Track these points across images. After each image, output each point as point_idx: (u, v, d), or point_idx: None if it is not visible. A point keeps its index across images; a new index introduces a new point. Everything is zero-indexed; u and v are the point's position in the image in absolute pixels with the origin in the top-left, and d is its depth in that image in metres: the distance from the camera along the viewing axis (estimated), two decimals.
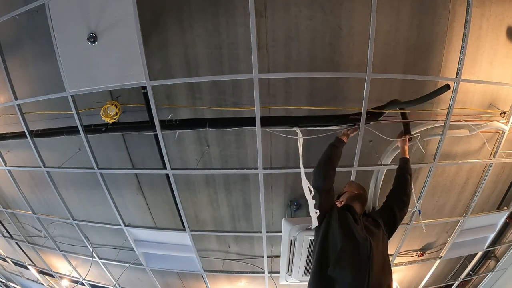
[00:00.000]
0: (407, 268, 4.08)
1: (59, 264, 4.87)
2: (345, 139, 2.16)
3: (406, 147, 2.31)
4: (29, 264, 5.14)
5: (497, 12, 2.45)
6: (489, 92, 2.77)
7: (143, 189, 3.53)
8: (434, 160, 2.74)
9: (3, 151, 3.48)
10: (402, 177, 2.05)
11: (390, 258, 3.65)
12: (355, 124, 2.39)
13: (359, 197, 1.91)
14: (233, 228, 3.66)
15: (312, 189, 1.92)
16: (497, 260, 4.27)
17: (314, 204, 1.81)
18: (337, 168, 1.97)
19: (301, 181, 2.92)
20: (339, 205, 1.88)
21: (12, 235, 4.77)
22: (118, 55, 2.25)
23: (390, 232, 1.80)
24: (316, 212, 1.73)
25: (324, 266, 1.45)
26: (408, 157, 2.22)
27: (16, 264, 5.44)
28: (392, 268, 3.94)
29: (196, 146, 3.05)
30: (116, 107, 2.74)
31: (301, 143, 2.37)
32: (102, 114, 2.73)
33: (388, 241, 1.76)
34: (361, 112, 2.35)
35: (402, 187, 2.00)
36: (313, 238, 2.90)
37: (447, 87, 1.94)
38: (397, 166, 2.18)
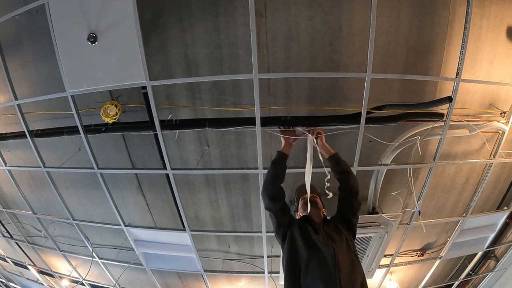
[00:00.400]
0: (407, 268, 4.08)
1: (59, 264, 4.87)
2: (287, 151, 2.08)
3: (324, 143, 2.15)
4: (29, 264, 5.14)
5: (497, 12, 2.45)
6: (489, 92, 2.77)
7: (143, 189, 3.53)
8: (434, 160, 2.74)
9: (3, 151, 3.48)
10: (342, 181, 1.93)
11: (390, 258, 3.66)
12: (291, 128, 2.28)
13: (307, 202, 1.88)
14: (233, 228, 3.66)
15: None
16: (497, 260, 4.27)
17: (273, 227, 1.82)
18: (282, 182, 1.94)
19: (300, 182, 2.93)
20: (298, 217, 1.90)
21: (12, 235, 4.77)
22: (118, 55, 2.25)
23: (353, 233, 1.80)
24: (278, 230, 1.77)
25: (296, 279, 1.49)
26: (333, 152, 2.06)
27: (16, 264, 5.44)
28: (392, 268, 3.98)
29: (196, 146, 3.05)
30: (116, 107, 2.74)
31: (312, 144, 2.27)
32: (102, 114, 2.73)
33: (354, 241, 1.77)
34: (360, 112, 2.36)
35: (347, 191, 1.89)
36: None
37: (449, 99, 1.94)
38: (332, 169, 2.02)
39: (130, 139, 3.15)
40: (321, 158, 2.17)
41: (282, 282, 3.53)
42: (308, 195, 1.93)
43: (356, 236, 1.85)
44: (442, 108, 2.69)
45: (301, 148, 2.46)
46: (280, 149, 2.11)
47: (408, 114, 2.49)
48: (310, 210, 1.84)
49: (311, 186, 2.05)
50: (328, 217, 1.91)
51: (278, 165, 2.00)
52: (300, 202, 1.97)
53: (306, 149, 2.24)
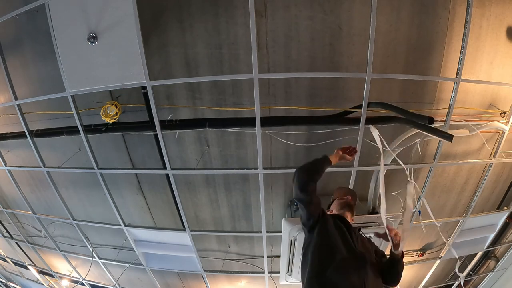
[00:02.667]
0: (407, 268, 4.07)
1: (59, 264, 4.87)
2: (334, 161, 1.85)
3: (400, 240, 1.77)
4: (29, 264, 5.14)
5: (497, 12, 2.45)
6: (489, 92, 2.77)
7: (143, 189, 3.53)
8: (434, 160, 2.75)
9: (3, 151, 3.48)
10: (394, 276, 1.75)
11: None
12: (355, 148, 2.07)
13: (348, 204, 1.85)
14: (233, 228, 3.66)
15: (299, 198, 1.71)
16: (497, 260, 4.27)
17: (301, 217, 1.70)
18: (338, 169, 1.92)
19: None
20: (329, 213, 1.83)
21: (12, 235, 4.77)
22: (118, 55, 2.25)
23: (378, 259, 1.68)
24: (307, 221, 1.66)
25: (322, 270, 1.45)
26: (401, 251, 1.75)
27: (16, 264, 5.44)
28: None
29: (196, 146, 3.05)
30: (116, 107, 2.74)
31: (378, 138, 2.29)
32: (102, 114, 2.73)
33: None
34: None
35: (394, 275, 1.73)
36: None
37: (429, 120, 1.92)
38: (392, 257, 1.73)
39: (130, 139, 3.14)
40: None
41: (283, 282, 3.53)
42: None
43: None
44: (442, 108, 2.69)
45: None
46: (328, 155, 1.87)
47: (409, 121, 2.46)
48: (345, 212, 1.79)
49: (354, 192, 2.00)
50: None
51: (320, 164, 1.78)
52: (339, 201, 1.89)
53: None
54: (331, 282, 1.40)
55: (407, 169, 2.04)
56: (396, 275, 1.76)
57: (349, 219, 1.77)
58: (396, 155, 2.72)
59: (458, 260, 1.40)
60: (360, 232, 1.73)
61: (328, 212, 1.83)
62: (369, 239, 1.72)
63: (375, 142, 2.44)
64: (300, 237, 2.93)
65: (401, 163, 2.16)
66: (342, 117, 2.58)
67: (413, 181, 2.00)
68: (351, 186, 2.72)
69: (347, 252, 1.48)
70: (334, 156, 1.85)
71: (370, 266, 1.48)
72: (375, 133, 2.43)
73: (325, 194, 3.18)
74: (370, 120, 2.45)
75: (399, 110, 2.35)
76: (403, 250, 1.72)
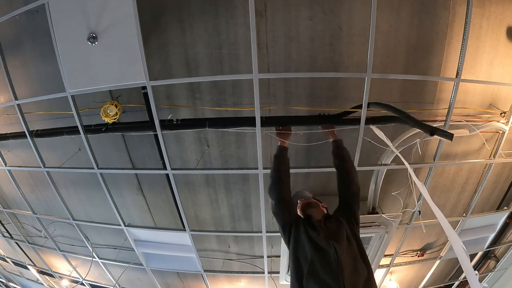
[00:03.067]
0: (407, 268, 4.08)
1: (59, 264, 4.88)
2: (285, 144, 2.17)
3: (333, 129, 2.30)
4: (29, 264, 5.14)
5: (497, 12, 2.45)
6: (489, 92, 2.77)
7: (143, 189, 3.53)
8: (434, 160, 2.74)
9: (3, 151, 3.48)
10: (340, 166, 2.00)
11: (390, 258, 3.66)
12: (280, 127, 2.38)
13: (304, 206, 1.89)
14: (233, 228, 3.66)
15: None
16: (497, 260, 4.27)
17: (278, 225, 1.80)
18: (288, 180, 1.94)
19: (300, 182, 2.95)
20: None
21: (12, 235, 4.77)
22: (118, 55, 2.25)
23: (355, 221, 1.78)
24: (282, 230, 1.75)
25: (299, 277, 1.48)
26: (338, 138, 2.18)
27: (16, 264, 5.44)
28: (392, 268, 3.98)
29: (196, 146, 3.05)
30: (116, 107, 2.74)
31: (384, 136, 2.38)
32: (102, 114, 2.73)
33: (358, 228, 1.76)
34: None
35: (344, 176, 1.94)
36: None
37: (451, 137, 1.94)
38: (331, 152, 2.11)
39: (130, 139, 3.15)
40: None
41: (283, 282, 3.54)
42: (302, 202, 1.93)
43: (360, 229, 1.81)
44: (442, 108, 2.69)
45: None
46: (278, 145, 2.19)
47: (408, 120, 2.46)
48: (308, 211, 1.83)
49: (300, 192, 2.08)
50: (331, 212, 1.89)
51: (280, 158, 2.04)
52: (298, 206, 1.94)
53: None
54: None
55: (410, 167, 2.04)
56: (347, 174, 1.91)
57: (316, 213, 1.80)
58: (396, 156, 2.72)
59: (466, 257, 1.38)
60: (331, 220, 1.74)
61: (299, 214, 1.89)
62: (336, 218, 1.72)
63: (375, 142, 2.44)
64: None
65: (404, 161, 2.16)
66: (342, 117, 2.58)
67: (420, 182, 2.01)
68: None
69: (314, 253, 1.51)
70: (280, 142, 2.16)
71: (342, 253, 1.49)
72: (379, 132, 2.42)
73: (326, 194, 3.19)
74: (370, 120, 2.45)
75: (403, 115, 2.37)
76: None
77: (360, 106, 2.37)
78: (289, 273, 1.57)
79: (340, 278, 1.38)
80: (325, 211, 1.87)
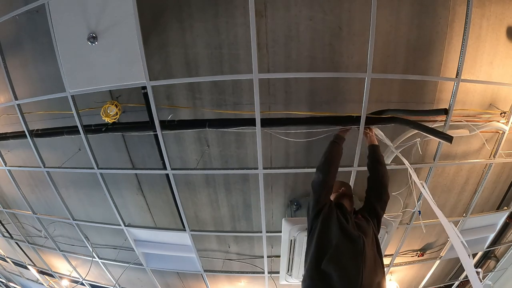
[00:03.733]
0: (407, 268, 4.08)
1: (59, 264, 4.88)
2: (344, 134, 2.20)
3: (372, 135, 2.31)
4: (29, 264, 5.14)
5: (497, 12, 2.45)
6: (489, 92, 2.77)
7: (143, 189, 3.53)
8: (434, 160, 2.74)
9: (3, 151, 3.48)
10: (374, 170, 2.02)
11: (390, 258, 3.66)
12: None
13: (345, 194, 1.93)
14: (233, 228, 3.66)
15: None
16: (497, 260, 4.27)
17: (309, 204, 1.81)
18: (338, 168, 1.97)
19: (300, 182, 2.95)
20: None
21: (12, 235, 4.77)
22: (118, 55, 2.25)
23: (378, 227, 1.82)
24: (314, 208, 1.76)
25: (319, 258, 1.47)
26: (376, 143, 2.22)
27: (16, 264, 5.44)
28: (392, 268, 3.98)
29: (196, 146, 3.05)
30: (116, 107, 2.74)
31: (384, 136, 2.41)
32: (102, 114, 2.73)
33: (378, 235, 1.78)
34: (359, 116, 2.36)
35: (377, 182, 1.96)
36: None
37: (445, 111, 1.95)
38: (367, 156, 2.13)
39: (130, 139, 3.15)
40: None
41: (283, 282, 3.53)
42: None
43: None
44: (443, 107, 2.69)
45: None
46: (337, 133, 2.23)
47: (408, 121, 2.50)
48: (344, 200, 1.85)
49: (346, 183, 2.10)
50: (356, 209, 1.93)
51: (336, 144, 2.06)
52: (335, 194, 1.97)
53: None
54: (325, 274, 1.41)
55: (410, 168, 2.04)
56: (381, 180, 1.95)
57: (347, 205, 1.83)
58: (396, 156, 2.72)
59: (469, 256, 1.37)
60: (359, 215, 1.78)
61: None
62: (364, 216, 1.77)
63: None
64: (300, 237, 2.93)
65: (405, 161, 2.16)
66: (342, 117, 2.58)
67: (420, 181, 2.02)
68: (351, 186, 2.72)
69: (342, 238, 1.51)
70: (341, 132, 2.21)
71: (368, 248, 1.50)
72: (378, 132, 2.44)
73: None
74: (370, 121, 2.44)
75: (413, 112, 2.40)
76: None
77: (377, 112, 2.45)
78: (309, 254, 1.55)
79: (361, 270, 1.38)
80: (353, 209, 1.90)
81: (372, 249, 1.55)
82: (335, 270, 1.39)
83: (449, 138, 2.03)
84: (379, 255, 1.59)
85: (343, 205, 1.79)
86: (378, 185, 1.95)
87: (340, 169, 2.68)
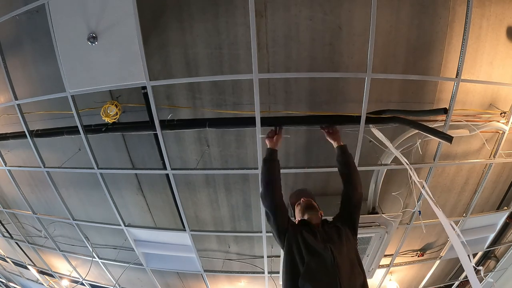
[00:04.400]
0: (407, 268, 4.08)
1: (59, 264, 4.88)
2: (274, 146, 2.06)
3: (336, 133, 2.20)
4: (29, 264, 5.14)
5: (497, 12, 2.45)
6: (489, 92, 2.77)
7: (143, 189, 3.53)
8: (434, 160, 2.74)
9: (3, 151, 3.48)
10: (344, 173, 1.93)
11: (390, 258, 3.66)
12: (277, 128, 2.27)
13: (306, 206, 1.86)
14: (233, 228, 3.66)
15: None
16: (497, 260, 4.27)
17: (272, 230, 1.78)
18: (279, 183, 1.89)
19: (300, 182, 2.93)
20: (296, 221, 1.87)
21: (12, 235, 4.77)
22: (118, 55, 2.25)
23: (354, 230, 1.78)
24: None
25: (295, 277, 1.48)
26: (342, 144, 2.09)
27: (16, 264, 5.44)
28: (392, 268, 3.98)
29: (196, 146, 3.05)
30: (116, 107, 2.74)
31: (383, 137, 2.38)
32: (102, 114, 2.73)
33: (356, 238, 1.76)
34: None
35: (348, 184, 1.89)
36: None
37: (445, 111, 1.95)
38: (336, 159, 2.03)
39: (130, 139, 3.15)
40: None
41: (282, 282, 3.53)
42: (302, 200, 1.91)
43: (358, 235, 1.83)
44: (443, 107, 2.69)
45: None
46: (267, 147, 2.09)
47: (408, 121, 2.49)
48: (307, 214, 1.81)
49: (304, 190, 2.06)
50: (329, 218, 1.88)
51: (270, 162, 1.95)
52: (297, 208, 1.93)
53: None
54: None
55: (410, 168, 2.04)
56: (351, 181, 1.88)
57: (314, 218, 1.79)
58: (397, 155, 2.72)
59: (469, 256, 1.37)
60: (331, 225, 1.75)
61: (295, 221, 1.87)
62: (335, 225, 1.73)
63: (376, 142, 2.44)
64: None
65: (404, 162, 2.16)
66: (341, 117, 2.58)
67: (421, 180, 2.02)
68: None
69: (310, 256, 1.51)
70: (270, 145, 2.07)
71: (340, 256, 1.50)
72: (377, 133, 2.44)
73: (326, 194, 3.19)
74: (370, 120, 2.45)
75: (413, 113, 2.40)
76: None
77: (378, 112, 2.41)
78: (281, 273, 1.55)
79: (338, 280, 1.39)
80: (321, 217, 1.84)
81: (347, 255, 1.54)
82: (313, 286, 1.40)
83: (449, 138, 2.03)
84: (358, 259, 1.58)
85: (306, 222, 1.75)
86: (349, 188, 1.87)
87: (333, 169, 2.70)
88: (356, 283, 1.45)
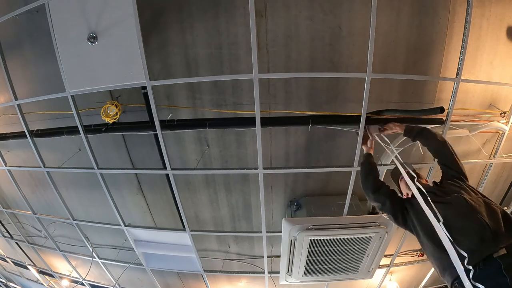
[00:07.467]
0: (407, 268, 4.08)
1: (59, 264, 4.88)
2: (369, 150, 2.27)
3: (395, 125, 2.33)
4: (29, 264, 5.15)
5: (497, 12, 2.46)
6: (489, 92, 2.77)
7: (143, 189, 3.53)
8: (434, 160, 2.74)
9: (3, 151, 3.48)
10: (432, 148, 1.98)
11: (390, 258, 3.66)
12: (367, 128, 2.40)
13: (418, 175, 1.91)
14: (233, 228, 3.66)
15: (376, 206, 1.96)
16: None
17: (388, 216, 1.85)
18: (338, 168, 2.00)
19: (300, 182, 2.93)
20: (405, 197, 1.93)
21: (12, 235, 4.77)
22: (118, 55, 2.25)
23: (465, 178, 1.78)
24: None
25: (439, 240, 1.46)
26: (404, 125, 2.24)
27: (16, 264, 5.44)
28: (392, 268, 3.97)
29: (196, 146, 3.05)
30: (116, 107, 2.74)
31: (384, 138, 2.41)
32: (102, 114, 2.73)
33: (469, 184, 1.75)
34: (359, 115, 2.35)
35: (441, 151, 1.91)
36: (312, 238, 2.91)
37: (441, 109, 1.97)
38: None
39: (130, 139, 3.15)
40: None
41: (283, 282, 3.53)
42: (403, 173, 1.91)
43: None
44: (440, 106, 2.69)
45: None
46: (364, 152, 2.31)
47: (407, 119, 2.50)
48: (417, 181, 1.81)
49: (394, 169, 2.16)
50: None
51: (365, 164, 2.13)
52: (402, 182, 1.97)
53: None
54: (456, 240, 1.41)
55: (411, 170, 2.04)
56: (442, 150, 1.91)
57: (423, 181, 1.85)
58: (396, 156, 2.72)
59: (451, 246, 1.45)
60: (443, 182, 1.78)
61: (404, 197, 1.94)
62: (447, 182, 1.75)
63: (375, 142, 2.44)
64: (300, 237, 2.93)
65: (399, 165, 2.16)
66: (341, 117, 2.58)
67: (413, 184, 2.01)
68: (351, 186, 2.72)
69: (444, 210, 1.50)
70: (365, 147, 2.26)
71: (469, 196, 1.51)
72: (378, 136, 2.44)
73: (325, 195, 3.19)
74: (370, 120, 2.45)
75: (410, 112, 2.43)
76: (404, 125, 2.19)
77: (377, 112, 2.44)
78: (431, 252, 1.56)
79: (480, 218, 1.39)
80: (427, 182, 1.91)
81: (475, 197, 1.54)
82: (461, 235, 1.40)
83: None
84: (488, 198, 1.57)
85: (418, 188, 1.70)
86: (440, 153, 1.93)
87: (340, 169, 2.70)
88: (497, 215, 1.43)
